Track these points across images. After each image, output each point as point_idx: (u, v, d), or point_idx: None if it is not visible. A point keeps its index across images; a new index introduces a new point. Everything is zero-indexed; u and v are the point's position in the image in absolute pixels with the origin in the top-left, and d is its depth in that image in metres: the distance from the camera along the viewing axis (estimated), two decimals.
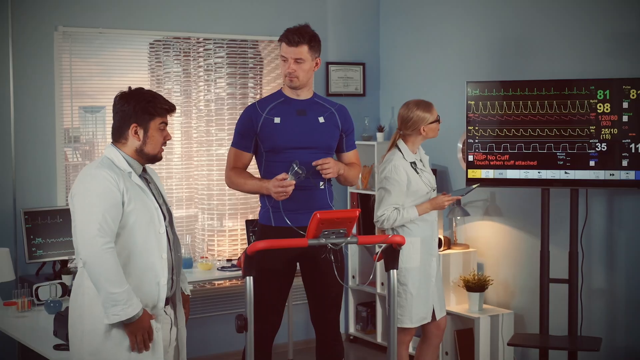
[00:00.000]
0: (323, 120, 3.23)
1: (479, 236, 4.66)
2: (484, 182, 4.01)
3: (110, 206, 2.45)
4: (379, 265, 4.62)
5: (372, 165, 5.01)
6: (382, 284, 4.86)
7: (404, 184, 3.47)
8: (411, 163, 3.53)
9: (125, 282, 2.43)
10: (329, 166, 3.10)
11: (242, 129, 3.23)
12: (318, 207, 3.08)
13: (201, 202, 4.82)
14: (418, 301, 3.51)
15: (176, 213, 4.72)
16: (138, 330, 2.47)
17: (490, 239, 4.60)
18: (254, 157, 3.31)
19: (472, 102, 4.06)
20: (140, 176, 2.60)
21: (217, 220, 4.84)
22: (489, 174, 4.04)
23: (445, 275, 4.42)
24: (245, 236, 4.72)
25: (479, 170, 4.05)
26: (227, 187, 3.49)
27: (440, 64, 4.91)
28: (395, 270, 2.73)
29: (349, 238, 2.59)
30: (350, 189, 5.14)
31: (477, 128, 4.06)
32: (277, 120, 3.18)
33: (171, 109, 2.61)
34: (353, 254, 5.10)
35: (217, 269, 4.46)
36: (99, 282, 2.42)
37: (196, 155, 4.78)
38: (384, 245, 2.74)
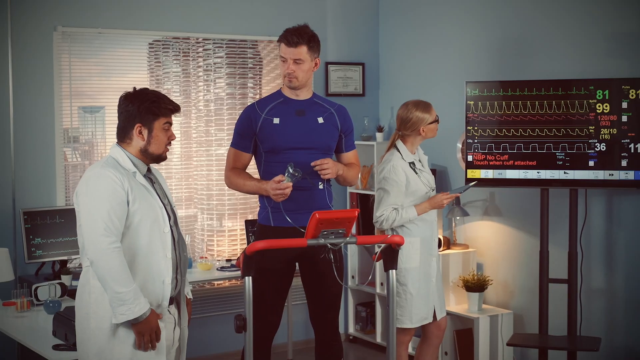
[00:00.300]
0: (322, 121, 3.23)
1: (479, 236, 4.66)
2: (483, 182, 4.01)
3: (116, 205, 2.46)
4: (379, 265, 4.62)
5: (371, 166, 5.01)
6: (382, 284, 4.86)
7: (402, 184, 3.47)
8: (410, 163, 3.53)
9: (132, 282, 2.44)
10: (328, 167, 3.10)
11: (241, 129, 3.23)
12: (317, 208, 3.08)
13: (200, 202, 4.82)
14: (418, 301, 3.51)
15: (177, 213, 4.71)
16: (145, 330, 2.48)
17: (490, 239, 4.60)
18: (253, 158, 3.31)
19: (472, 102, 4.06)
20: (144, 176, 2.62)
21: (216, 220, 4.85)
22: (488, 174, 4.04)
23: (445, 276, 4.41)
24: (245, 236, 4.72)
25: (478, 170, 4.05)
26: (227, 187, 3.49)
27: (439, 64, 4.91)
28: (394, 271, 2.73)
29: (347, 238, 2.60)
30: (349, 189, 5.14)
31: (476, 128, 4.06)
32: (276, 120, 3.18)
33: (175, 109, 2.63)
34: (353, 254, 5.11)
35: (217, 269, 4.46)
36: (105, 281, 2.43)
37: (195, 155, 4.78)
38: (383, 246, 2.74)
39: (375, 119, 5.37)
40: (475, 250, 4.63)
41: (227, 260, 4.67)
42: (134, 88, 2.61)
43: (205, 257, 4.72)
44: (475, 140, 4.06)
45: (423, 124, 3.50)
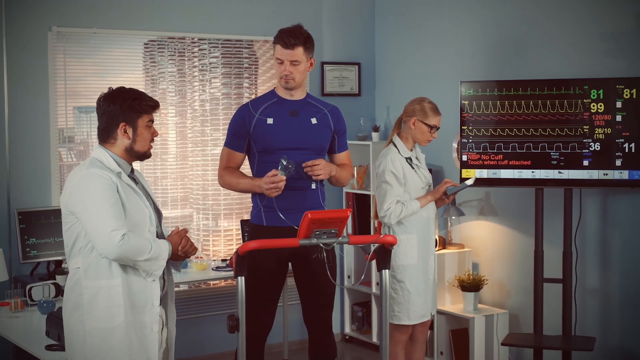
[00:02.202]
0: (315, 122, 3.23)
1: (474, 236, 4.66)
2: (478, 181, 3.99)
3: (115, 201, 2.47)
4: (374, 265, 4.62)
5: (367, 165, 5.01)
6: (378, 283, 4.85)
7: (401, 177, 3.50)
8: (406, 158, 3.56)
9: (147, 241, 2.51)
10: (320, 168, 3.10)
11: (235, 129, 3.24)
12: (310, 207, 3.07)
13: (196, 202, 4.82)
14: (416, 298, 3.53)
15: (171, 213, 4.73)
16: (177, 257, 2.61)
17: (485, 239, 4.60)
18: (246, 157, 3.31)
19: (466, 102, 4.06)
20: (128, 176, 2.61)
21: (212, 220, 4.85)
22: (483, 173, 4.04)
23: (440, 275, 4.42)
24: (240, 236, 4.72)
25: (473, 170, 4.05)
26: (222, 187, 3.48)
27: (435, 63, 4.91)
28: (387, 271, 2.73)
29: (340, 238, 2.59)
30: (345, 189, 5.14)
31: (471, 128, 4.05)
32: (269, 121, 3.18)
33: (156, 105, 2.63)
34: (348, 253, 5.10)
35: (212, 269, 4.46)
36: (136, 263, 2.49)
37: (191, 155, 4.78)
38: (376, 245, 2.74)
39: (371, 118, 5.36)
40: (470, 250, 4.63)
41: (223, 260, 4.67)
42: (110, 88, 2.61)
43: (201, 257, 4.71)
44: (470, 140, 4.06)
45: (419, 117, 3.51)
